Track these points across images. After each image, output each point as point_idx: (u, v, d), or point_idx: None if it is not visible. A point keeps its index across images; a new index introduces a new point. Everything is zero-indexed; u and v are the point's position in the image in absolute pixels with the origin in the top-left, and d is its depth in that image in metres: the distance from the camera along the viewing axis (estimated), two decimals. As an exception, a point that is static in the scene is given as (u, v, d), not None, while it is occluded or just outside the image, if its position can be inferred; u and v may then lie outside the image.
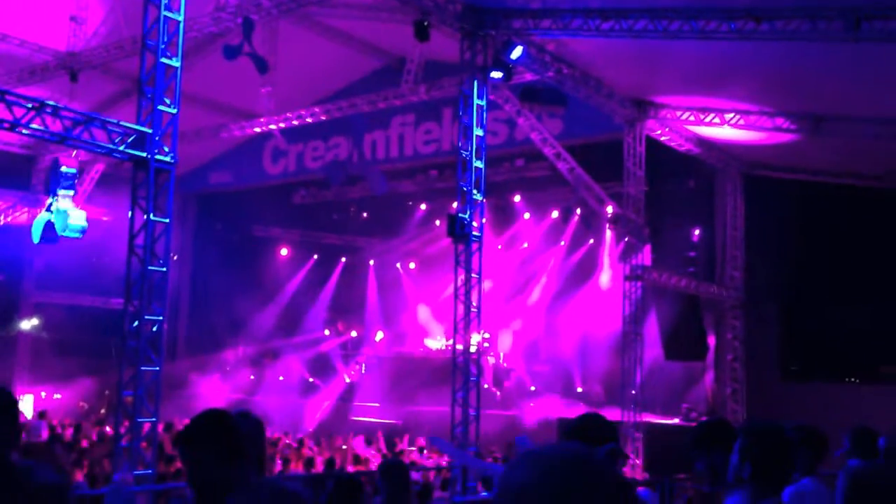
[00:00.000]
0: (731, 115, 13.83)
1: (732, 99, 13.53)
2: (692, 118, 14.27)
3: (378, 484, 4.08)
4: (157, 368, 8.71)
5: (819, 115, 13.12)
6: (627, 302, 14.57)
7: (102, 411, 18.59)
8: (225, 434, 2.65)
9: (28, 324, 20.13)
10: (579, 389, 18.29)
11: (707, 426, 3.74)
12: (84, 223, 9.52)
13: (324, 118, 16.89)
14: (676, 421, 15.86)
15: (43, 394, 19.46)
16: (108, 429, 15.62)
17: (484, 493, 12.15)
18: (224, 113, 18.44)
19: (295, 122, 17.28)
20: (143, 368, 8.59)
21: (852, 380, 15.43)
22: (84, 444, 14.09)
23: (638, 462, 13.91)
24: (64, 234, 9.64)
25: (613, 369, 15.59)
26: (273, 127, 17.59)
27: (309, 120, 17.09)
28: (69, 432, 15.37)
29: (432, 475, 12.15)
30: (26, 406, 18.55)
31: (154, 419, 8.66)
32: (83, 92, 15.60)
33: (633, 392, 14.34)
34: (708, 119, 14.09)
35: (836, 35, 9.58)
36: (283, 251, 22.86)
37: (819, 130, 13.17)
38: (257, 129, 17.91)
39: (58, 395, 19.92)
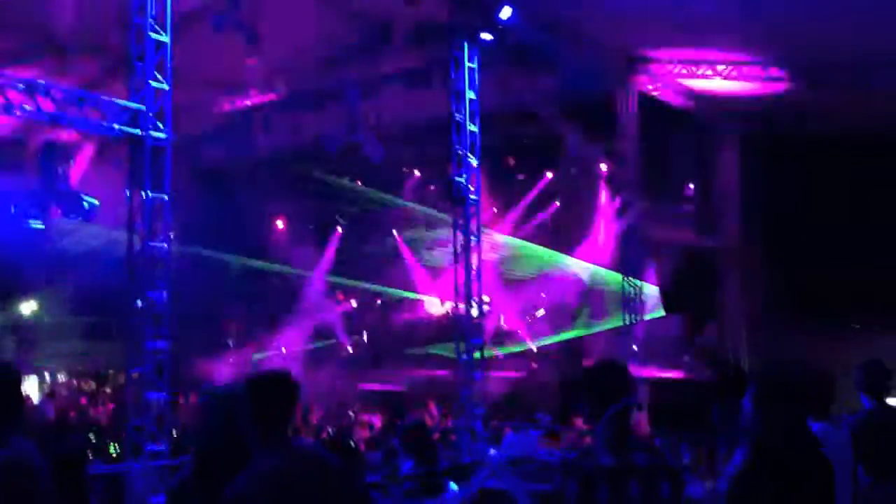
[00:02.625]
0: (723, 66, 13.79)
1: (724, 50, 13.47)
2: (684, 71, 14.22)
3: (398, 446, 4.15)
4: (164, 345, 8.75)
5: (813, 64, 13.09)
6: (624, 258, 14.66)
7: (108, 390, 18.67)
8: (259, 396, 2.70)
9: (28, 307, 20.15)
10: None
11: (724, 375, 3.81)
12: (96, 202, 9.51)
13: (314, 88, 16.78)
14: (677, 375, 16.01)
15: (47, 375, 19.53)
16: (110, 407, 15.75)
17: (491, 451, 12.33)
18: (213, 87, 18.24)
19: (285, 93, 17.18)
20: (149, 345, 8.64)
21: (856, 326, 15.53)
22: (92, 423, 14.18)
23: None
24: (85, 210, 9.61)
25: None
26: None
27: (300, 90, 16.99)
28: (74, 414, 15.47)
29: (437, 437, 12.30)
30: (31, 388, 18.65)
31: (164, 395, 8.73)
32: (70, 72, 15.42)
33: (635, 347, 14.48)
34: (700, 72, 14.05)
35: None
36: (279, 223, 22.81)
37: (813, 80, 13.14)
38: (248, 103, 17.82)
39: (61, 377, 20.00)
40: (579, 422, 12.11)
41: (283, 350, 21.08)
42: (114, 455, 11.44)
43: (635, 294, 15.07)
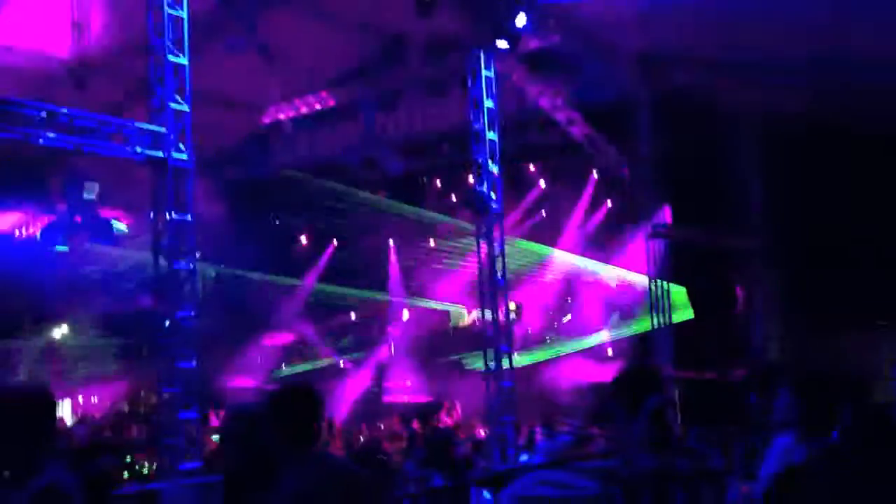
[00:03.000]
0: (746, 67, 13.66)
1: (744, 53, 13.33)
2: (704, 70, 14.12)
3: (421, 455, 4.14)
4: (194, 364, 8.81)
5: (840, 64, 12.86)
6: (651, 260, 14.56)
7: (142, 410, 18.84)
8: (283, 409, 2.71)
9: (58, 332, 20.37)
10: (609, 352, 18.31)
11: (763, 371, 3.80)
12: (124, 227, 9.65)
13: (331, 104, 16.90)
14: (710, 376, 15.85)
15: (80, 398, 19.73)
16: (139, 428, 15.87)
17: (523, 458, 12.26)
18: (230, 106, 18.42)
19: (303, 110, 17.31)
20: (179, 365, 8.71)
21: (883, 323, 15.30)
22: (126, 443, 14.30)
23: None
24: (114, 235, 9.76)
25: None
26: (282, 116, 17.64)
27: (317, 107, 17.10)
28: (108, 434, 15.61)
29: (470, 445, 12.26)
30: (64, 412, 18.84)
31: (195, 413, 8.79)
32: (90, 99, 15.60)
33: (666, 349, 14.37)
34: (720, 72, 13.94)
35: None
36: (303, 238, 22.91)
37: (841, 78, 12.92)
38: (266, 120, 17.97)
39: (94, 399, 20.19)
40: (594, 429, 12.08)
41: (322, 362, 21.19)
42: (147, 474, 11.52)
43: (663, 296, 14.95)
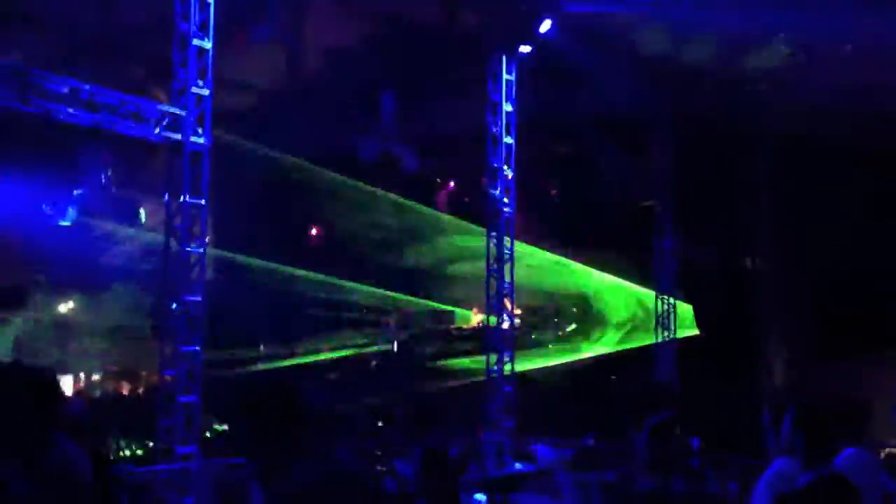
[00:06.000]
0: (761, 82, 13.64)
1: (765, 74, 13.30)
2: (719, 86, 14.07)
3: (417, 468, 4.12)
4: (197, 348, 8.82)
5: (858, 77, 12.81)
6: (661, 281, 14.54)
7: (140, 391, 18.87)
8: (288, 402, 2.70)
9: (65, 307, 20.43)
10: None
11: (772, 395, 3.79)
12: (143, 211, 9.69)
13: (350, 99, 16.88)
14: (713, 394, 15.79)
15: (81, 374, 19.77)
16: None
17: (517, 466, 12.25)
18: (252, 95, 18.47)
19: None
20: (182, 348, 8.72)
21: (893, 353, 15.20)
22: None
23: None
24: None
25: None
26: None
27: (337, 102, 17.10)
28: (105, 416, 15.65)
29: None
30: (65, 386, 18.91)
31: (195, 398, 8.79)
32: (111, 78, 15.66)
33: (670, 369, 14.33)
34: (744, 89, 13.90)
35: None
36: (313, 231, 22.92)
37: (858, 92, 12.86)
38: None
39: (96, 377, 20.24)
40: (590, 440, 12.07)
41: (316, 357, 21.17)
42: (142, 455, 11.54)
43: (669, 312, 14.92)
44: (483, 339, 12.57)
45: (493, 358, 12.15)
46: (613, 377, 17.52)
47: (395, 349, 21.43)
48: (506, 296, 12.21)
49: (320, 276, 20.44)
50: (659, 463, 3.12)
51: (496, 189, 12.16)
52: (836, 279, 15.19)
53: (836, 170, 14.57)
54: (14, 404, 2.83)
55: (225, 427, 13.42)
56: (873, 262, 14.60)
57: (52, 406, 3.04)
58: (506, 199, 12.24)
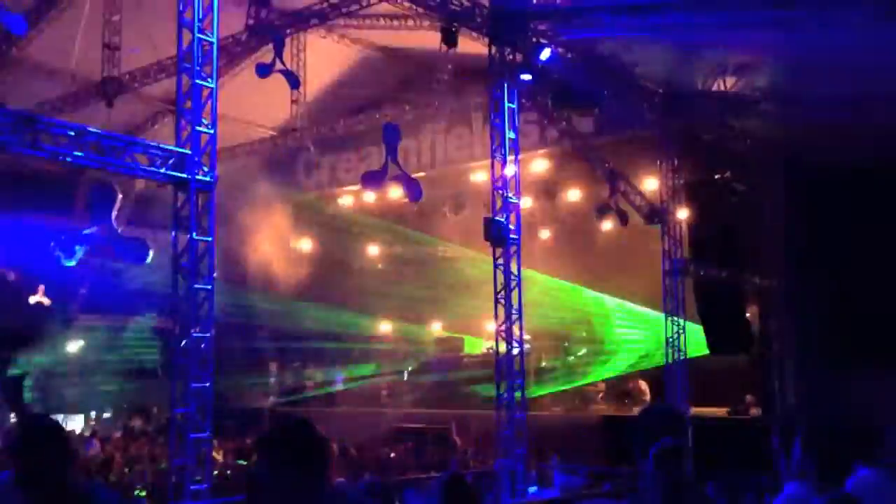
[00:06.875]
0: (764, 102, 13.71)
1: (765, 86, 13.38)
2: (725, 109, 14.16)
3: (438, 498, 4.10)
4: (208, 384, 8.84)
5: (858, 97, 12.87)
6: (669, 296, 14.51)
7: (150, 429, 18.86)
8: (298, 440, 2.72)
9: (75, 346, 20.48)
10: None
11: (783, 417, 3.77)
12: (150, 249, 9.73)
13: (358, 129, 17.15)
14: (722, 414, 15.72)
15: (93, 413, 19.79)
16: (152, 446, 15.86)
17: (532, 493, 12.17)
18: (256, 129, 18.70)
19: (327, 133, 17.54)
20: (193, 385, 8.74)
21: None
22: (137, 460, 14.30)
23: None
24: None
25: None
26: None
27: (340, 133, 17.34)
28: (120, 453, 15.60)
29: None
30: (77, 426, 18.90)
31: (206, 434, 8.80)
32: (117, 117, 15.86)
33: (680, 387, 14.26)
34: (741, 110, 13.98)
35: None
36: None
37: (859, 111, 12.91)
38: (290, 144, 18.19)
39: (107, 415, 20.26)
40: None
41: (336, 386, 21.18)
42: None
43: (678, 333, 14.87)
44: (494, 366, 12.49)
45: (504, 385, 12.11)
46: (627, 401, 17.43)
47: (406, 377, 21.38)
48: (514, 321, 12.20)
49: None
50: (672, 495, 3.08)
51: (501, 216, 12.19)
52: (851, 296, 15.14)
53: (849, 185, 14.58)
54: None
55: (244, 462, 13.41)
56: (889, 279, 14.56)
57: (66, 450, 3.11)
58: (511, 226, 12.26)
